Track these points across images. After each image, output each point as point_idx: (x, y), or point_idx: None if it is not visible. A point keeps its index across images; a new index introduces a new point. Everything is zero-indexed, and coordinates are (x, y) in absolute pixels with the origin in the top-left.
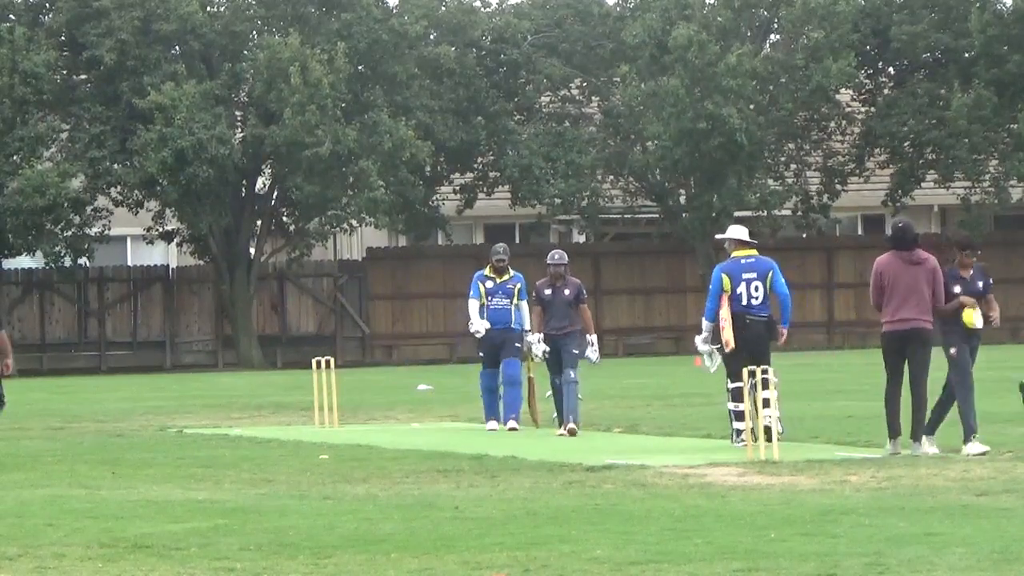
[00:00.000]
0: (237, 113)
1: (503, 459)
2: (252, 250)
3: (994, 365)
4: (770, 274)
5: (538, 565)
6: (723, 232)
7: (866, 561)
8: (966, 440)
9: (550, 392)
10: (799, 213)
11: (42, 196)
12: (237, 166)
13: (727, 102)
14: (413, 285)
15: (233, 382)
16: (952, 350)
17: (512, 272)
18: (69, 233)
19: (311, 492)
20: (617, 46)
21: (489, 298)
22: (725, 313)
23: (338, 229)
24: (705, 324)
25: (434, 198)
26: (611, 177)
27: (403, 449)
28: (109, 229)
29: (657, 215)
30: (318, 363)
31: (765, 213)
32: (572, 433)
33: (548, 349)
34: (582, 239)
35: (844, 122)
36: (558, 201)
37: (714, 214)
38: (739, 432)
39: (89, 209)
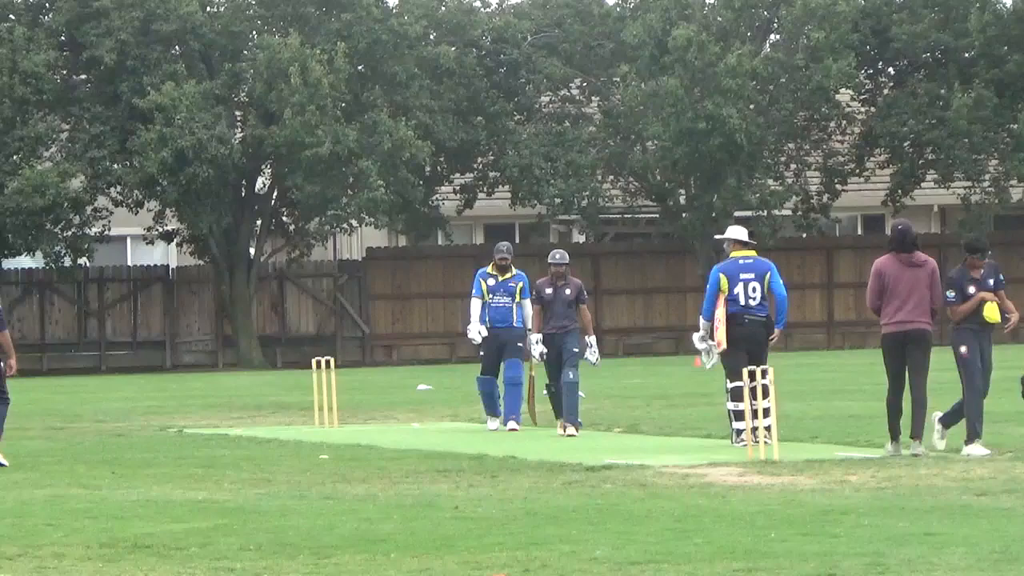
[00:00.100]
0: (237, 113)
1: (503, 459)
2: (252, 250)
3: (994, 365)
4: (768, 275)
5: (538, 565)
6: (723, 232)
7: (866, 561)
8: (968, 441)
9: (546, 391)
10: (799, 213)
11: (42, 196)
12: (237, 166)
13: (727, 102)
14: (413, 285)
15: (233, 382)
16: (963, 348)
17: (515, 271)
18: (69, 233)
19: (311, 492)
20: (617, 46)
21: (491, 296)
22: (720, 314)
23: (338, 229)
24: (702, 323)
25: (434, 198)
26: (611, 177)
27: (403, 449)
28: (109, 229)
29: (657, 215)
30: (318, 363)
31: (765, 213)
32: (569, 430)
33: (545, 351)
34: (582, 239)
35: (844, 122)
36: (558, 201)
37: (714, 214)
38: (739, 432)
39: (89, 209)
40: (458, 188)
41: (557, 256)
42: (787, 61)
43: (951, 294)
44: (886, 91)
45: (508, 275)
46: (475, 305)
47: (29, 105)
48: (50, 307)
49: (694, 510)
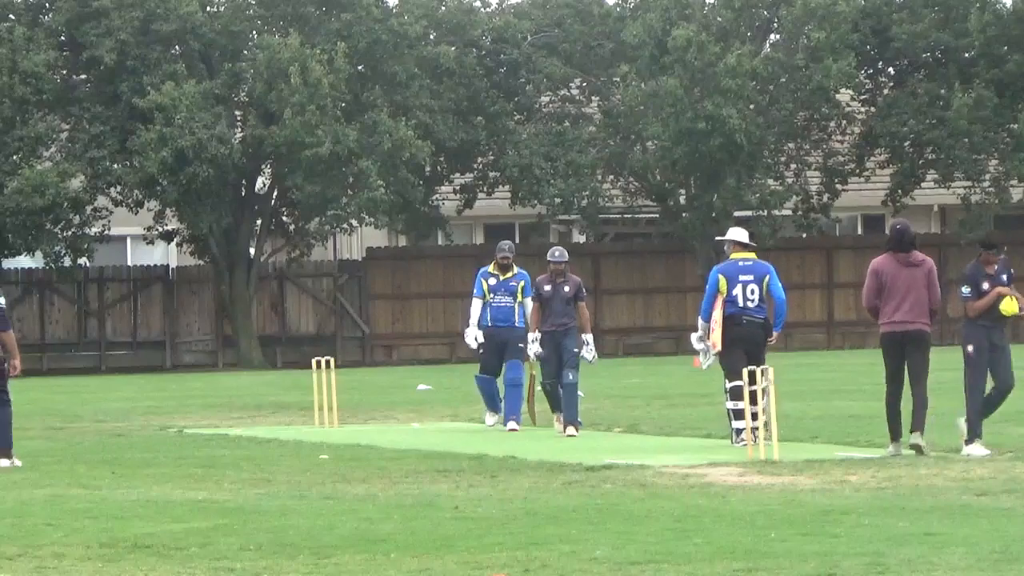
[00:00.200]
0: (237, 113)
1: (503, 459)
2: (252, 250)
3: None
4: (767, 278)
5: (538, 565)
6: (723, 232)
7: (866, 561)
8: (969, 441)
9: (540, 387)
10: (799, 213)
11: (42, 196)
12: (237, 166)
13: (727, 102)
14: (413, 285)
15: (233, 382)
16: (970, 348)
17: (516, 269)
18: (69, 233)
19: (311, 492)
20: (617, 46)
21: (492, 295)
22: (717, 315)
23: (338, 229)
24: (701, 323)
25: (434, 198)
26: (611, 177)
27: (403, 449)
28: (109, 229)
29: (657, 215)
30: (318, 363)
31: (765, 213)
32: (569, 431)
33: (541, 351)
34: (582, 239)
35: (844, 122)
36: (558, 201)
37: (714, 214)
38: (739, 431)
39: (89, 209)
40: (458, 188)
41: (556, 254)
42: (787, 61)
43: (966, 290)
44: (886, 91)
45: (509, 274)
46: (475, 307)
47: (29, 105)
48: (50, 307)
49: (694, 510)
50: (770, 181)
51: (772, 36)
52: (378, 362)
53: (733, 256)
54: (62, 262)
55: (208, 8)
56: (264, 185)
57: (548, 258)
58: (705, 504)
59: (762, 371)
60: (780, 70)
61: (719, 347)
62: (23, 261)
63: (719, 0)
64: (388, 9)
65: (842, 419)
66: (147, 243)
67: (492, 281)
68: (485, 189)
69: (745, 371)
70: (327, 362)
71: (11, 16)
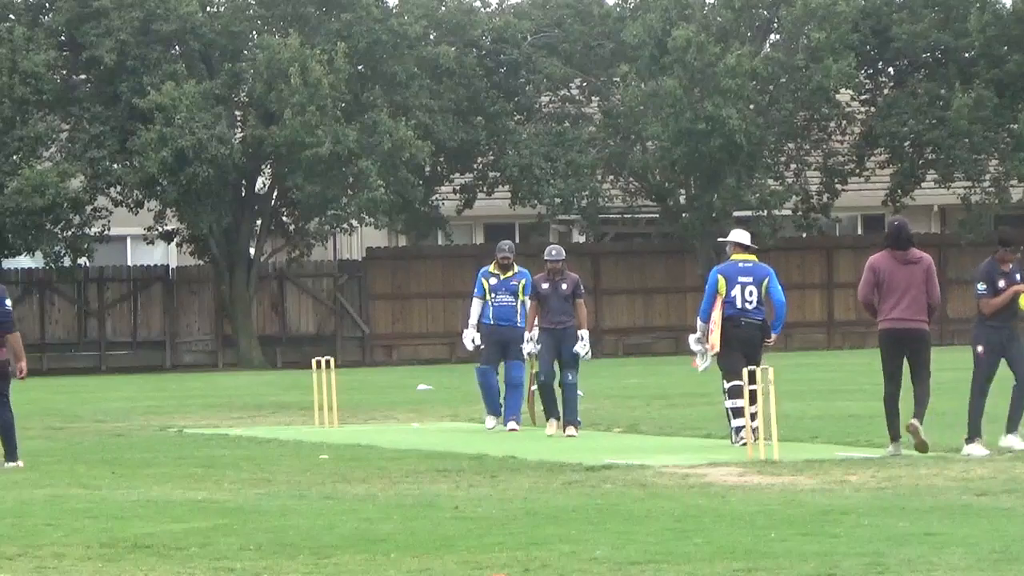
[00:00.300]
0: (237, 113)
1: (503, 459)
2: (252, 250)
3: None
4: (766, 281)
5: (538, 565)
6: (723, 232)
7: (866, 561)
8: (969, 440)
9: (535, 386)
10: (799, 213)
11: (42, 196)
12: (237, 166)
13: (726, 103)
14: (413, 285)
15: (233, 382)
16: (979, 348)
17: (517, 268)
18: (69, 233)
19: (311, 492)
20: (617, 46)
21: (493, 295)
22: (716, 316)
23: (338, 229)
24: (699, 324)
25: (434, 198)
26: (611, 177)
27: (403, 449)
28: (109, 229)
29: (657, 215)
30: (318, 363)
31: (765, 213)
32: (569, 431)
33: (535, 351)
34: (582, 239)
35: (844, 122)
36: (558, 201)
37: (714, 214)
38: (738, 430)
39: (89, 209)
40: (458, 188)
41: (553, 252)
42: (787, 61)
43: (982, 286)
44: (886, 91)
45: (510, 273)
46: (474, 307)
47: (29, 105)
48: (50, 307)
49: (694, 510)
50: (770, 181)
51: (772, 36)
52: (378, 362)
53: (734, 257)
54: (62, 262)
55: (208, 8)
56: (264, 185)
57: (545, 257)
58: (705, 504)
59: (762, 371)
60: (780, 70)
61: (718, 348)
62: (23, 261)
63: (719, 0)
64: (388, 9)
65: (842, 419)
66: (147, 243)
67: (493, 281)
68: (485, 189)
69: (745, 371)
70: (327, 362)
71: (11, 16)
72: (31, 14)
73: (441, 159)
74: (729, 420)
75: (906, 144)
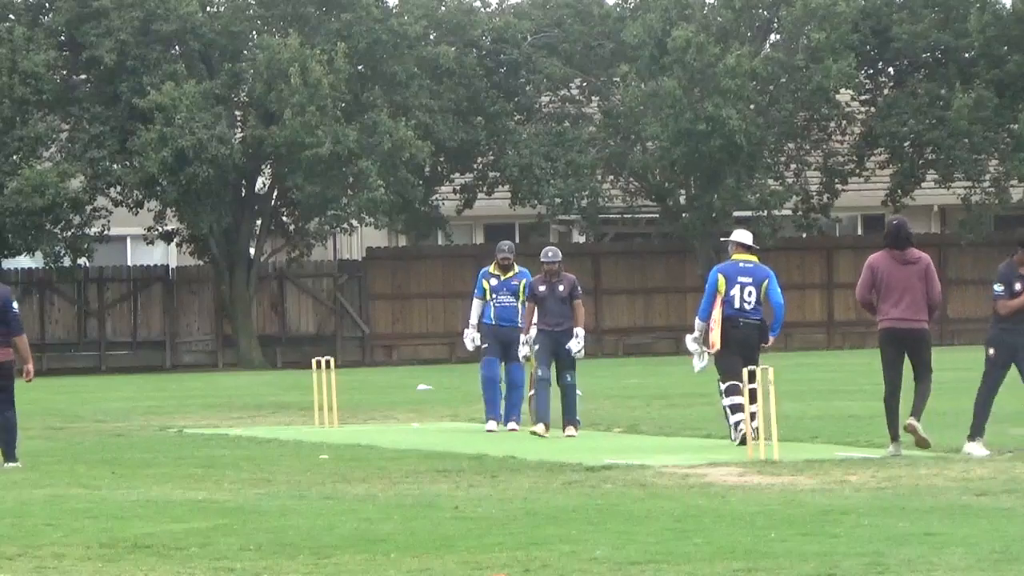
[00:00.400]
0: (237, 113)
1: (503, 459)
2: (252, 250)
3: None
4: (766, 282)
5: (538, 565)
6: (724, 232)
7: (866, 561)
8: (971, 438)
9: (532, 392)
10: (799, 213)
11: (42, 196)
12: (237, 166)
13: (726, 103)
14: (413, 285)
15: (233, 382)
16: (991, 351)
17: (517, 269)
18: (69, 233)
19: (311, 492)
20: (617, 46)
21: (494, 296)
22: (716, 315)
23: (338, 229)
24: (698, 323)
25: (434, 198)
26: (611, 177)
27: (403, 449)
28: (109, 229)
29: (657, 215)
30: (318, 363)
31: (765, 213)
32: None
33: (529, 354)
34: (582, 239)
35: (844, 122)
36: (558, 201)
37: (714, 214)
38: (737, 424)
39: (89, 209)
40: (458, 188)
41: (549, 254)
42: (787, 61)
43: (999, 288)
44: (886, 91)
45: (511, 274)
46: (475, 307)
47: (29, 105)
48: (50, 307)
49: (694, 510)
50: (770, 181)
51: (772, 36)
52: (378, 362)
53: (735, 257)
54: (62, 262)
55: (208, 8)
56: (264, 185)
57: (541, 259)
58: (705, 504)
59: (762, 371)
60: (780, 70)
61: (718, 346)
62: (23, 261)
63: (719, 0)
64: (388, 9)
65: (842, 419)
66: (147, 243)
67: (493, 281)
68: (485, 189)
69: (745, 371)
70: (327, 362)
71: (11, 16)
72: (31, 14)
73: (441, 159)
74: (727, 417)
75: (906, 144)
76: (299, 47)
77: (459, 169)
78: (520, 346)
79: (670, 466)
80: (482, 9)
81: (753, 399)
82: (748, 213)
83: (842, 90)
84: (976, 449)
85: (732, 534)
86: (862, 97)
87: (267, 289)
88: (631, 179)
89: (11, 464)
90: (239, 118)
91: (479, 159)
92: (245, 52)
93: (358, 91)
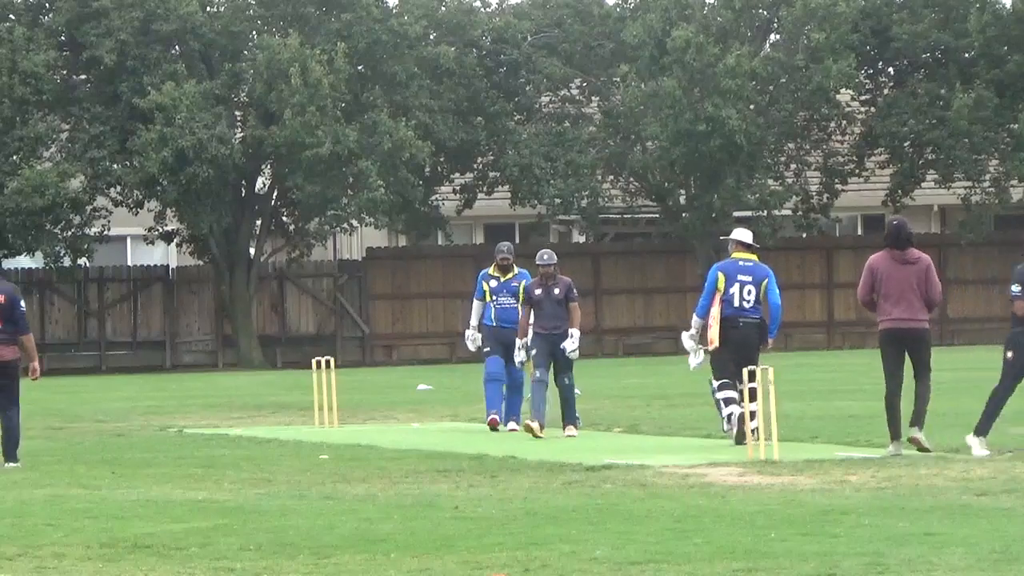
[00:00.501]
0: (237, 113)
1: (503, 459)
2: (252, 250)
3: (994, 365)
4: (765, 282)
5: (538, 565)
6: (725, 232)
7: (866, 561)
8: (977, 434)
9: (530, 395)
10: (799, 213)
11: (42, 196)
12: (237, 166)
13: (726, 103)
14: (413, 285)
15: (233, 382)
16: (1009, 354)
17: (517, 270)
18: (69, 233)
19: (311, 492)
20: (617, 46)
21: (494, 297)
22: (715, 312)
23: (338, 229)
24: (696, 320)
25: (434, 198)
26: (611, 177)
27: (403, 449)
28: (109, 229)
29: (657, 215)
30: (318, 363)
31: (765, 213)
32: (569, 431)
33: (525, 360)
34: (582, 239)
35: (844, 122)
36: (558, 201)
37: (714, 214)
38: (730, 416)
39: (89, 209)
40: (458, 188)
41: (545, 256)
42: (787, 61)
43: (1017, 289)
44: (886, 91)
45: (510, 275)
46: (475, 309)
47: (29, 105)
48: (50, 307)
49: (694, 510)
50: (770, 181)
51: (772, 36)
52: (378, 362)
53: (734, 255)
54: (62, 262)
55: (208, 8)
56: (264, 185)
57: (536, 261)
58: (705, 504)
59: (762, 371)
60: (780, 70)
61: (716, 344)
62: (23, 261)
63: (719, 0)
64: (388, 9)
65: (842, 419)
66: (147, 243)
67: (493, 283)
68: (485, 189)
69: (745, 370)
70: (327, 362)
71: (11, 16)
72: (31, 14)
73: (441, 159)
74: (720, 410)
75: (906, 144)
76: (299, 47)
77: (459, 169)
78: (516, 351)
79: (670, 466)
80: (482, 9)
81: (753, 398)
82: (748, 213)
83: (842, 90)
84: (976, 445)
85: (732, 534)
86: (862, 97)
87: (267, 289)
88: (631, 179)
89: (11, 464)
90: (239, 118)
91: (479, 159)
92: (245, 52)
93: (358, 91)
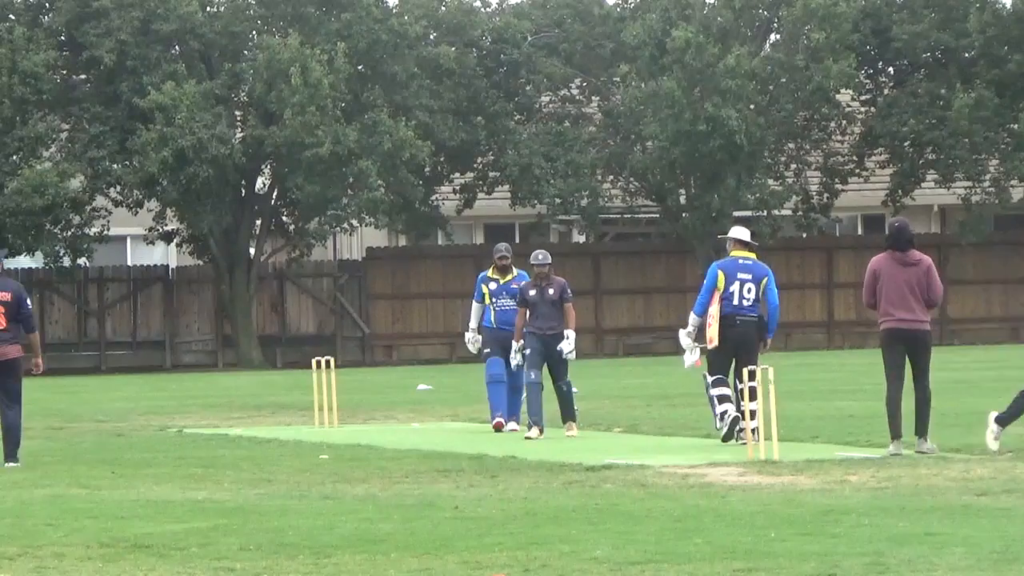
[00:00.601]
0: (237, 113)
1: (503, 459)
2: (252, 250)
3: (994, 365)
4: (764, 280)
5: (538, 565)
6: (724, 232)
7: (866, 561)
8: (997, 421)
9: (525, 394)
10: (799, 213)
11: (41, 196)
12: (237, 166)
13: (726, 103)
14: (413, 285)
15: (233, 382)
16: None
17: (516, 271)
18: (69, 233)
19: (311, 492)
20: (617, 46)
21: (494, 299)
22: (714, 310)
23: (338, 229)
24: (693, 318)
25: (434, 198)
26: (611, 177)
27: (403, 449)
28: (108, 229)
29: (657, 215)
30: (318, 363)
31: (765, 213)
32: (569, 431)
33: (522, 362)
34: (582, 239)
35: (844, 122)
36: (558, 201)
37: (714, 214)
38: (723, 414)
39: (89, 209)
40: (458, 188)
41: (540, 257)
42: (787, 61)
43: None
44: (886, 91)
45: (509, 276)
46: (474, 310)
47: (29, 105)
48: (50, 307)
49: (694, 510)
50: (770, 181)
51: (772, 36)
52: (378, 362)
53: (733, 254)
54: (62, 262)
55: (208, 8)
56: (264, 185)
57: (531, 261)
58: (705, 504)
59: (762, 370)
60: (780, 70)
61: (716, 342)
62: (23, 261)
63: (719, 0)
64: (388, 9)
65: (842, 419)
66: (147, 243)
67: (492, 286)
68: (485, 189)
69: (745, 370)
70: (327, 362)
71: (11, 16)
72: (31, 14)
73: (441, 159)
74: (713, 407)
75: (906, 144)
76: (299, 47)
77: (459, 169)
78: (512, 354)
79: (670, 466)
80: (482, 9)
81: (753, 398)
82: (748, 213)
83: (842, 90)
84: (993, 431)
85: (732, 534)
86: (862, 97)
87: (267, 289)
88: (631, 179)
89: (11, 464)
90: (239, 118)
91: (479, 159)
92: (245, 52)
93: (358, 91)
